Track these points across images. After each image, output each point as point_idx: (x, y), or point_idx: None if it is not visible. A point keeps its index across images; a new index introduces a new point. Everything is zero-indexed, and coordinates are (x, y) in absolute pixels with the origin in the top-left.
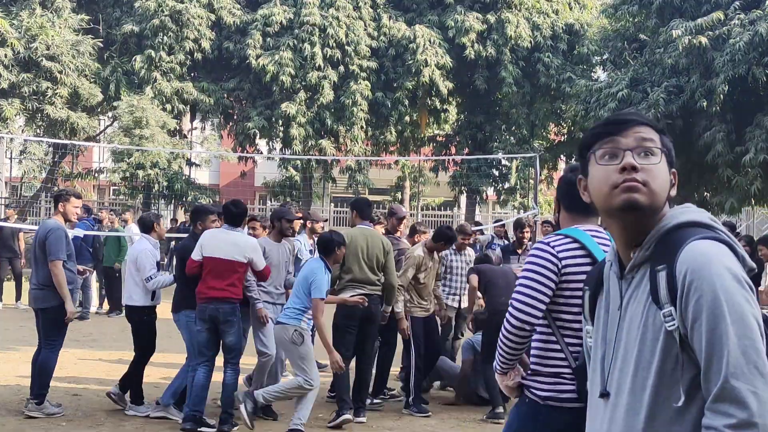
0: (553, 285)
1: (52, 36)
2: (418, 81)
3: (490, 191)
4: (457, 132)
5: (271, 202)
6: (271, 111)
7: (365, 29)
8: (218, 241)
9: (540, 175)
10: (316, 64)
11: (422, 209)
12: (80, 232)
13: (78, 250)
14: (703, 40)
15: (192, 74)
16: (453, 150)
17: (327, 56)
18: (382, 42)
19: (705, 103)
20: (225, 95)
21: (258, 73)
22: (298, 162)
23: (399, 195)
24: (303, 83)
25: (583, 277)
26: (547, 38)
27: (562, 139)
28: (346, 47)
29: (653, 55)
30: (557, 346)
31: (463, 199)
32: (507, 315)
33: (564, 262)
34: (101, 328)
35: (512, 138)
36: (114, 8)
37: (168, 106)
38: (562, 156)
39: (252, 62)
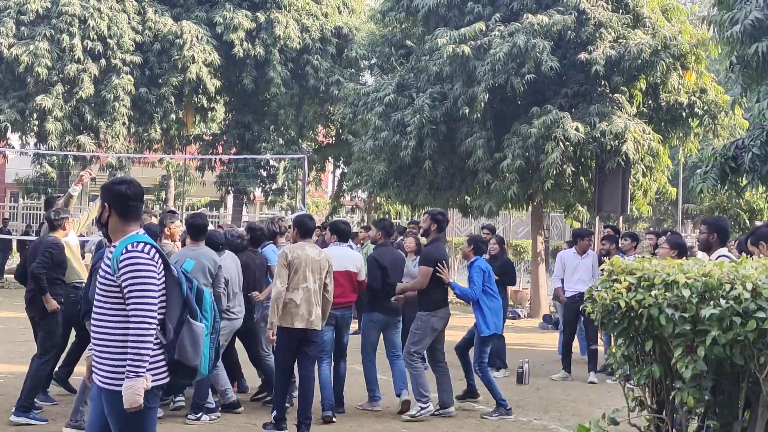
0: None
1: None
2: (184, 78)
3: (258, 192)
4: (225, 131)
5: (23, 199)
6: (25, 103)
7: (129, 22)
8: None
9: (308, 176)
10: (76, 57)
11: (187, 209)
12: None
13: None
14: (466, 49)
15: None
16: (220, 149)
17: (87, 48)
18: (147, 36)
19: (467, 110)
20: None
21: (10, 64)
22: (55, 158)
23: (163, 194)
24: (60, 76)
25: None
26: (316, 40)
27: (330, 141)
28: (109, 40)
29: (419, 62)
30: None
31: (230, 199)
32: (144, 320)
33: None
34: None
35: (281, 139)
36: None
37: None
38: (330, 158)
39: (4, 51)
